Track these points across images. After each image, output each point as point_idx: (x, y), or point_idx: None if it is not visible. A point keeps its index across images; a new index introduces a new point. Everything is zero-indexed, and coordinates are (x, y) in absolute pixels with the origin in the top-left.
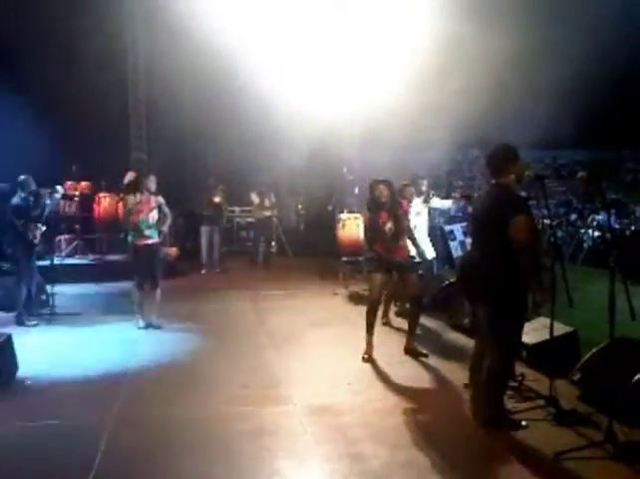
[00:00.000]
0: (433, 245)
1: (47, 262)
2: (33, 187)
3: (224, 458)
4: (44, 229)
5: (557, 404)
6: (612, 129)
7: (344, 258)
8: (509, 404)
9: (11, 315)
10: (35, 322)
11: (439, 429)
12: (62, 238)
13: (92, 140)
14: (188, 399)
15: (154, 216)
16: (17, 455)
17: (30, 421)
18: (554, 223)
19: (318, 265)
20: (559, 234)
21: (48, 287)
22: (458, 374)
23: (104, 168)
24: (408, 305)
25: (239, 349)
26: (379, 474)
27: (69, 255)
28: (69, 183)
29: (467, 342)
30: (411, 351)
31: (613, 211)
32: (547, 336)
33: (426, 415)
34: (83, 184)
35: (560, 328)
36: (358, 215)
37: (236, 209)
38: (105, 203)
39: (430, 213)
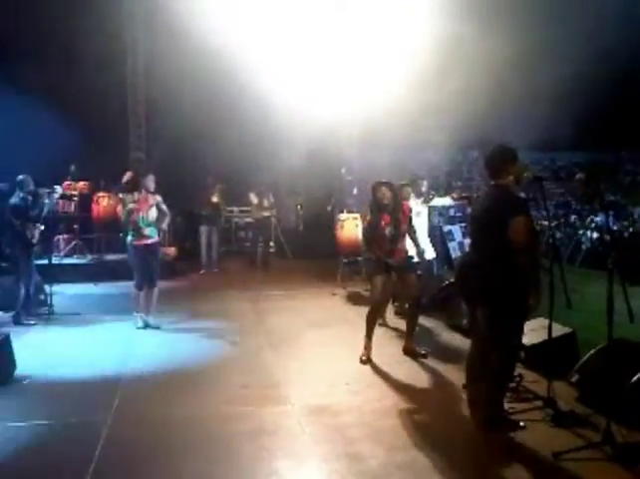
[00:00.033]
0: (432, 246)
1: (45, 262)
2: (31, 186)
3: (224, 458)
4: (42, 228)
5: (555, 405)
6: (611, 131)
7: (343, 259)
8: (507, 405)
9: (9, 315)
10: (33, 322)
11: (437, 429)
12: (60, 237)
13: (91, 140)
14: (188, 399)
15: (152, 214)
16: (15, 454)
17: (28, 420)
18: (553, 224)
19: (317, 266)
20: (558, 235)
21: (46, 287)
22: (456, 375)
23: (103, 168)
24: (407, 305)
25: (238, 349)
26: (377, 474)
27: (67, 255)
28: (67, 182)
29: (465, 343)
30: (410, 352)
31: (611, 212)
32: (546, 337)
33: (424, 416)
34: (81, 183)
35: (559, 329)
36: (357, 215)
37: (235, 209)
38: (103, 202)
39: (430, 213)
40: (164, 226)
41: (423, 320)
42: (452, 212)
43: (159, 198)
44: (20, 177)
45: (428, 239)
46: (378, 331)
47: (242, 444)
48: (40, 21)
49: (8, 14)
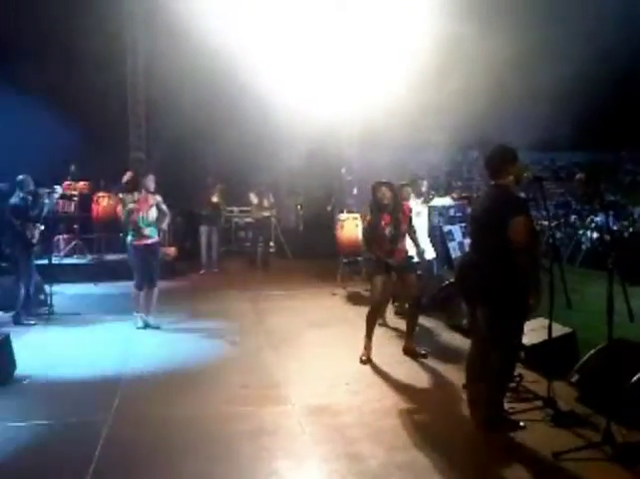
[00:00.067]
0: (433, 246)
1: (45, 262)
2: (31, 186)
3: (224, 457)
4: (42, 228)
5: (555, 405)
6: (611, 131)
7: (343, 259)
8: (507, 405)
9: (9, 315)
10: (33, 322)
11: (437, 429)
12: (60, 237)
13: (91, 140)
14: (188, 399)
15: (152, 213)
16: (15, 454)
17: (28, 420)
18: (553, 224)
19: (317, 266)
20: (558, 235)
21: (46, 287)
22: (456, 375)
23: (102, 168)
24: (407, 305)
25: (238, 349)
26: (377, 474)
27: (67, 255)
28: (67, 182)
29: (465, 343)
30: (410, 352)
31: (611, 212)
32: (546, 337)
33: (424, 415)
34: (81, 183)
35: (559, 329)
36: (357, 215)
37: (235, 209)
38: (103, 202)
39: (430, 213)
40: (165, 225)
41: (423, 320)
42: (452, 212)
43: (158, 198)
44: (20, 177)
45: (428, 239)
46: (378, 331)
47: (242, 444)
48: (40, 21)
49: (8, 14)
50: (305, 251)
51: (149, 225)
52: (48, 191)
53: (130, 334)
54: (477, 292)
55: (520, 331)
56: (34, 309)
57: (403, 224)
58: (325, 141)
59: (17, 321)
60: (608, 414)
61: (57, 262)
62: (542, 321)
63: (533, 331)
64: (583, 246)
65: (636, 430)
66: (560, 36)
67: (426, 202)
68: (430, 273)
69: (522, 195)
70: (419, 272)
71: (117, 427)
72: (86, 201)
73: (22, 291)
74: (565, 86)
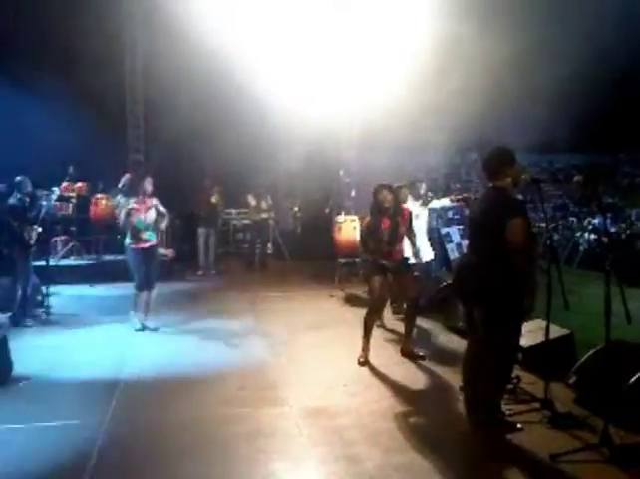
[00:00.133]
0: (431, 247)
1: (43, 263)
2: (29, 187)
3: (221, 460)
4: (40, 229)
5: (553, 407)
6: (609, 132)
7: (341, 261)
8: (505, 407)
9: (6, 316)
10: (30, 323)
11: (434, 431)
12: (58, 239)
13: (89, 141)
14: (185, 401)
15: (150, 216)
16: (11, 457)
17: (25, 423)
18: (551, 226)
19: (315, 268)
20: (556, 237)
21: (43, 289)
22: (454, 376)
23: (100, 169)
24: (404, 307)
25: (236, 351)
26: (374, 476)
27: (65, 257)
28: (65, 184)
29: (463, 345)
30: (408, 354)
31: (609, 214)
32: (543, 339)
33: (421, 417)
34: (79, 185)
35: (556, 331)
36: (355, 217)
37: (233, 210)
38: (101, 204)
39: (429, 214)
40: (164, 226)
41: (420, 322)
42: (449, 213)
43: (155, 201)
44: (18, 178)
45: (427, 241)
46: (375, 333)
47: (239, 446)
48: (38, 21)
49: (7, 14)
50: (303, 253)
51: (147, 227)
52: (45, 192)
53: (127, 336)
54: (474, 294)
55: (518, 333)
56: (31, 311)
57: (401, 226)
58: (323, 142)
59: (14, 323)
60: (606, 416)
61: (54, 264)
62: (540, 323)
63: (531, 333)
64: (581, 248)
65: (634, 432)
66: (559, 36)
67: (424, 204)
68: (427, 275)
69: (520, 196)
70: (415, 274)
71: (114, 429)
72: (83, 202)
73: (19, 293)
74: (564, 87)
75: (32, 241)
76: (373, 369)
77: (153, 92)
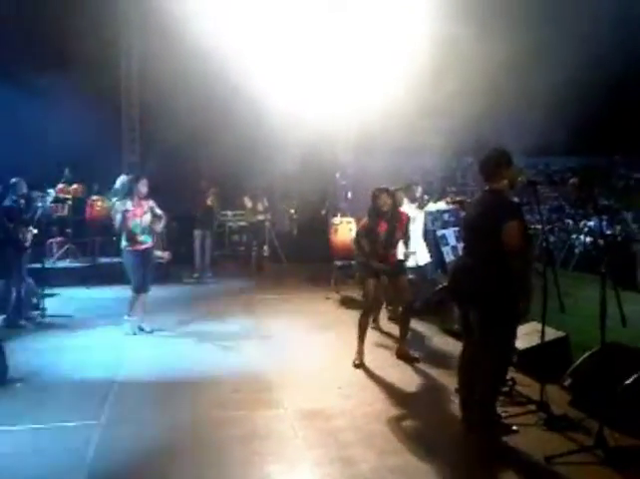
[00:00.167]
0: (427, 249)
1: (38, 265)
2: (24, 189)
3: (215, 462)
4: (35, 231)
5: (548, 409)
6: (605, 135)
7: (337, 263)
8: (500, 409)
9: (1, 318)
10: (25, 325)
11: (429, 433)
12: (54, 241)
13: (85, 143)
14: (180, 403)
15: (146, 219)
16: (7, 458)
17: (19, 424)
18: (546, 228)
19: (311, 270)
20: (551, 239)
21: (39, 290)
22: (448, 379)
23: (96, 171)
24: (400, 309)
25: (231, 353)
26: (369, 478)
27: (60, 259)
28: (61, 186)
29: (458, 347)
30: (403, 356)
31: (605, 217)
32: (538, 341)
33: (416, 419)
34: (75, 187)
35: (552, 333)
36: (351, 219)
37: (229, 212)
38: (97, 206)
39: (425, 218)
40: (160, 228)
41: (416, 324)
42: (445, 216)
43: (152, 203)
44: (13, 180)
45: (424, 244)
46: (371, 335)
47: (234, 448)
48: (35, 24)
49: (3, 17)
50: (299, 256)
51: (143, 231)
52: (41, 194)
53: (122, 338)
54: (470, 296)
55: (513, 335)
56: (27, 313)
57: (398, 231)
58: (319, 145)
59: (9, 325)
60: (601, 418)
61: (50, 266)
62: (535, 325)
63: (526, 335)
64: (576, 251)
65: (628, 434)
66: (555, 39)
67: (420, 207)
68: (423, 278)
69: (516, 199)
70: (410, 276)
71: (109, 432)
72: (79, 204)
73: (14, 295)
74: (559, 90)
75: (27, 243)
76: (368, 371)
77: (148, 95)
